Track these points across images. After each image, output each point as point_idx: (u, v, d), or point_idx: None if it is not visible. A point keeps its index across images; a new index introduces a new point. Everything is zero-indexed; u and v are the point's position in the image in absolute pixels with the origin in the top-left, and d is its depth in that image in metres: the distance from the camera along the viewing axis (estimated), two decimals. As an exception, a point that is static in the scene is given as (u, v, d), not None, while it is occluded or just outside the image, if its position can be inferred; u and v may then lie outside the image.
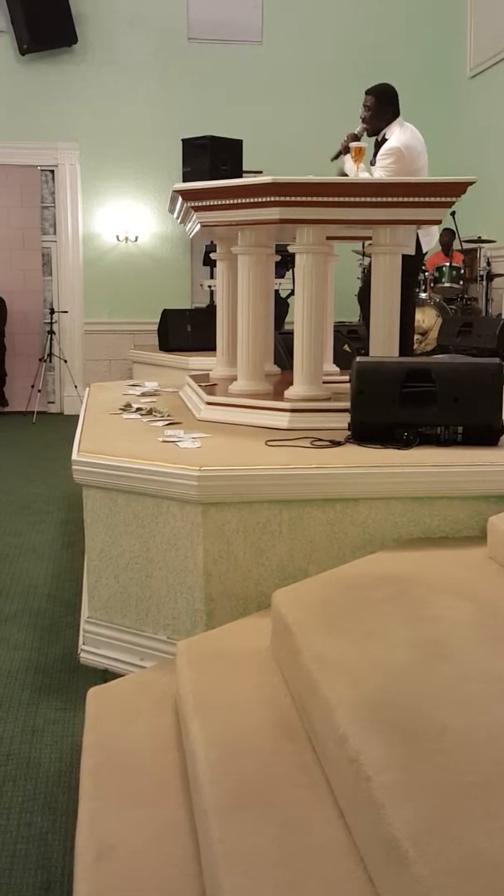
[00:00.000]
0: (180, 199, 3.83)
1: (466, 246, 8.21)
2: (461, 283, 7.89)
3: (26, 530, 5.00)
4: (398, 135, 4.64)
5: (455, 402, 3.18)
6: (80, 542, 4.30)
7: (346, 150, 4.68)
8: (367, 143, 4.89)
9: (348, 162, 4.75)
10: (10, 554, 4.56)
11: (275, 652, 2.48)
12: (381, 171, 4.55)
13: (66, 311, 9.39)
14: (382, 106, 4.73)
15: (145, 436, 3.48)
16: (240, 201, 3.51)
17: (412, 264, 4.55)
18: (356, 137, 4.70)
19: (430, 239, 4.85)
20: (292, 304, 3.90)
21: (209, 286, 8.60)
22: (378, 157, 4.61)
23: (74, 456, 3.21)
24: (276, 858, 1.64)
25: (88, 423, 3.85)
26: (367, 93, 4.78)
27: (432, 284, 7.86)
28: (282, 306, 7.01)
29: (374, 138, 4.83)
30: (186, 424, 3.69)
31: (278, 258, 4.79)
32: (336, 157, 4.75)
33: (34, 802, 2.40)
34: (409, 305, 4.88)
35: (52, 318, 9.10)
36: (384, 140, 4.70)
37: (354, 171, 4.79)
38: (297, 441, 3.27)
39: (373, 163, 4.67)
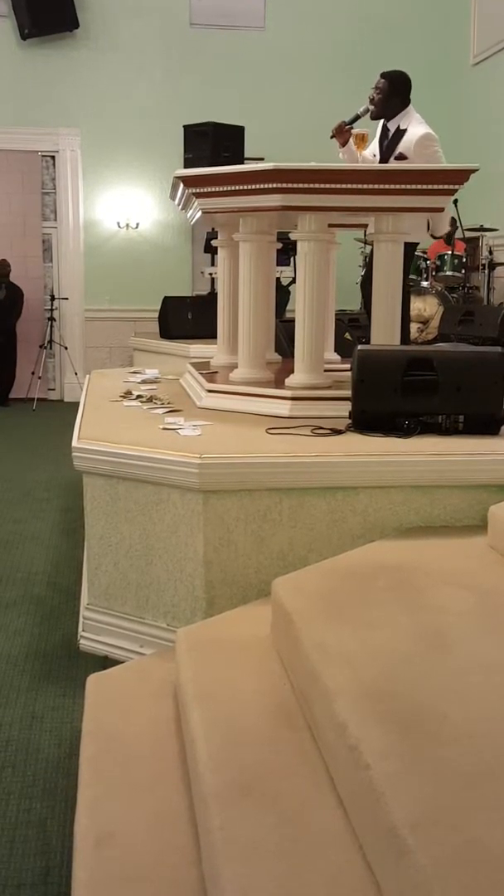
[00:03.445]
0: (182, 185, 3.81)
1: (468, 234, 8.17)
2: (463, 271, 7.86)
3: (26, 517, 5.00)
4: (420, 124, 4.62)
5: (456, 391, 3.18)
6: (80, 529, 4.30)
7: (339, 132, 4.66)
8: (368, 128, 4.87)
9: (347, 150, 4.73)
10: (10, 541, 4.56)
11: (275, 640, 2.48)
12: (428, 160, 4.52)
13: (66, 298, 9.37)
14: (393, 93, 4.71)
15: (146, 423, 3.47)
16: (241, 188, 3.50)
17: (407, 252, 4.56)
18: (356, 118, 4.69)
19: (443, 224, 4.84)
20: (294, 291, 3.89)
21: (210, 273, 8.58)
22: (416, 145, 4.55)
23: (75, 443, 3.20)
24: (275, 846, 1.64)
25: (89, 411, 3.84)
26: (383, 76, 4.75)
27: (434, 273, 7.83)
28: (283, 294, 6.99)
29: (378, 122, 4.80)
30: (187, 412, 3.68)
31: (280, 246, 4.77)
32: (333, 136, 4.71)
33: (33, 789, 2.40)
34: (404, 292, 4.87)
35: (52, 305, 9.09)
36: (400, 129, 4.65)
37: (357, 156, 4.77)
38: (298, 429, 3.27)
39: (399, 157, 4.62)
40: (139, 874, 1.81)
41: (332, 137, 4.72)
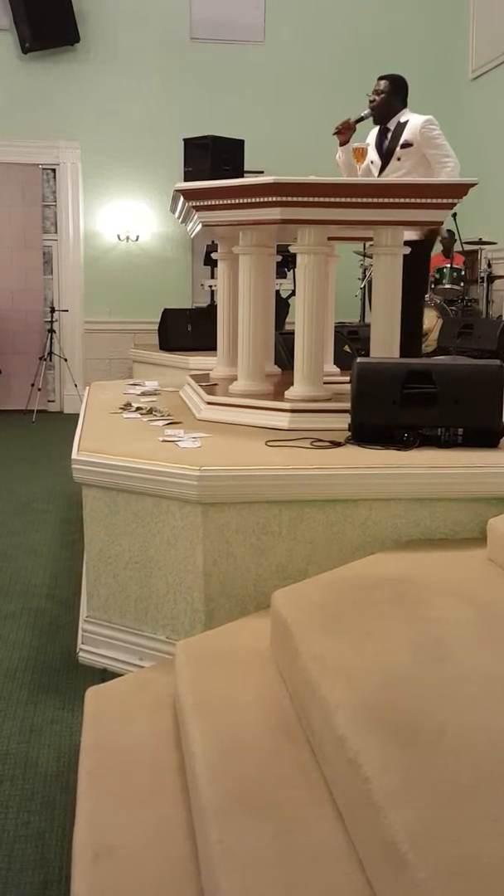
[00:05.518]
0: (182, 198, 3.82)
1: (467, 248, 8.20)
2: (462, 284, 7.89)
3: (26, 529, 5.00)
4: (418, 116, 4.68)
5: (455, 404, 3.18)
6: (79, 541, 4.30)
7: (344, 128, 4.68)
8: (370, 136, 4.89)
9: (346, 153, 4.76)
10: (9, 553, 4.56)
11: (274, 652, 2.48)
12: (434, 141, 4.59)
13: (66, 310, 9.38)
14: (395, 93, 4.75)
15: (145, 435, 3.48)
16: (241, 201, 3.51)
17: (424, 248, 4.59)
18: (360, 119, 4.72)
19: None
20: (293, 304, 3.90)
21: (210, 286, 8.61)
22: (421, 128, 4.61)
23: (74, 455, 3.21)
24: (274, 859, 1.64)
25: (88, 422, 3.85)
26: (382, 78, 4.78)
27: (433, 286, 7.85)
28: (283, 306, 7.01)
29: (377, 126, 4.83)
30: (186, 424, 3.69)
31: (279, 258, 4.78)
32: (336, 132, 4.73)
33: (32, 802, 2.40)
34: (422, 290, 4.91)
35: (52, 317, 9.10)
36: (401, 122, 4.69)
37: (356, 170, 4.79)
38: (298, 441, 3.27)
39: (404, 145, 4.66)
40: (138, 887, 1.81)
41: (334, 134, 4.74)
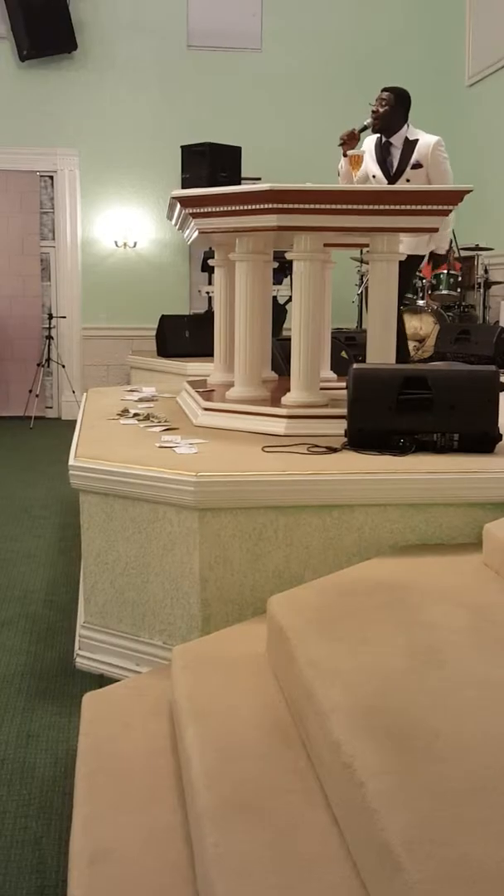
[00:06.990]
0: (179, 205, 3.84)
1: (464, 253, 8.22)
2: (459, 290, 7.91)
3: (23, 535, 5.01)
4: (427, 134, 4.73)
5: (451, 410, 3.19)
6: (76, 547, 4.31)
7: (349, 139, 4.72)
8: (366, 147, 4.92)
9: (346, 165, 4.78)
10: (6, 558, 4.57)
11: (270, 657, 2.48)
12: (441, 166, 4.72)
13: (64, 317, 9.40)
14: (399, 106, 4.78)
15: (142, 441, 3.49)
16: (238, 208, 3.52)
17: (408, 267, 4.63)
18: (364, 129, 4.76)
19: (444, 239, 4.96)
20: (290, 310, 3.92)
21: (207, 292, 8.64)
22: (433, 150, 4.70)
23: (72, 461, 3.22)
24: (269, 863, 1.64)
25: (86, 429, 3.85)
26: (387, 90, 4.82)
27: (430, 292, 7.87)
28: (280, 313, 7.03)
29: (378, 137, 4.87)
30: (183, 430, 3.70)
31: (276, 265, 4.80)
32: (342, 143, 4.77)
33: (29, 807, 2.40)
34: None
35: (50, 324, 9.11)
36: (409, 140, 4.73)
37: (352, 176, 4.82)
38: (294, 447, 3.28)
39: (415, 165, 4.70)
40: (134, 892, 1.81)
41: (340, 145, 4.77)
